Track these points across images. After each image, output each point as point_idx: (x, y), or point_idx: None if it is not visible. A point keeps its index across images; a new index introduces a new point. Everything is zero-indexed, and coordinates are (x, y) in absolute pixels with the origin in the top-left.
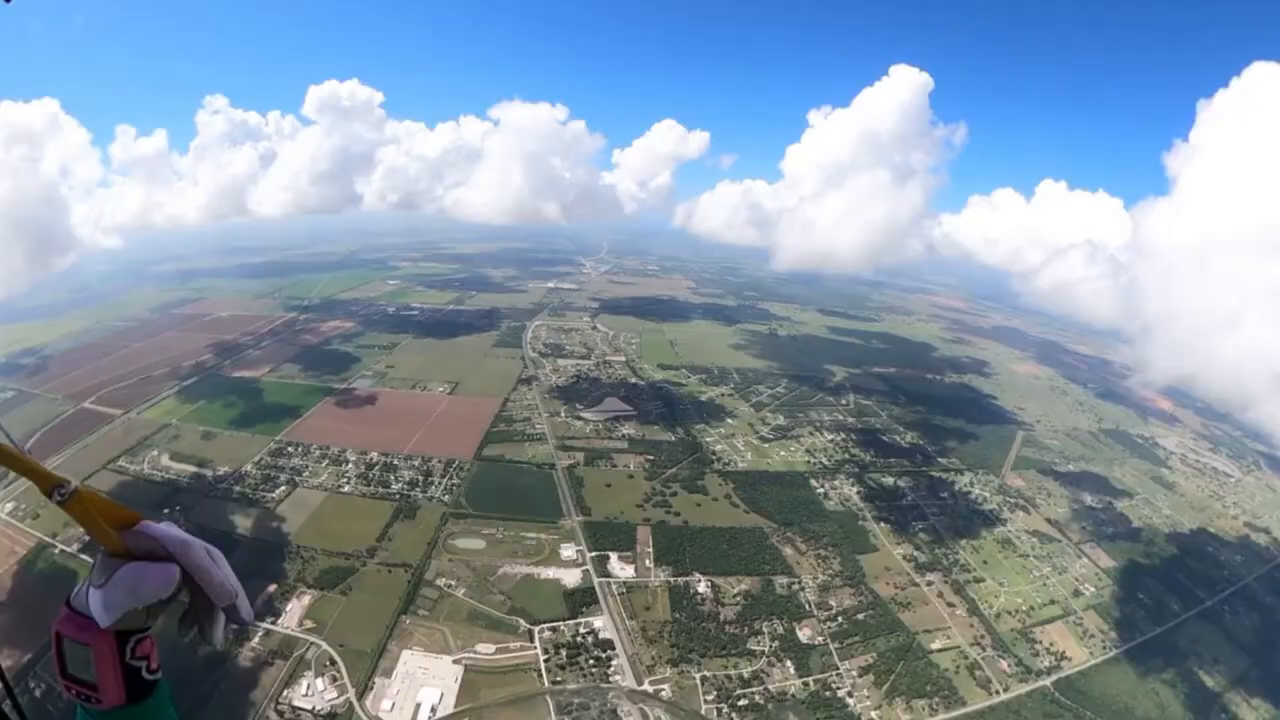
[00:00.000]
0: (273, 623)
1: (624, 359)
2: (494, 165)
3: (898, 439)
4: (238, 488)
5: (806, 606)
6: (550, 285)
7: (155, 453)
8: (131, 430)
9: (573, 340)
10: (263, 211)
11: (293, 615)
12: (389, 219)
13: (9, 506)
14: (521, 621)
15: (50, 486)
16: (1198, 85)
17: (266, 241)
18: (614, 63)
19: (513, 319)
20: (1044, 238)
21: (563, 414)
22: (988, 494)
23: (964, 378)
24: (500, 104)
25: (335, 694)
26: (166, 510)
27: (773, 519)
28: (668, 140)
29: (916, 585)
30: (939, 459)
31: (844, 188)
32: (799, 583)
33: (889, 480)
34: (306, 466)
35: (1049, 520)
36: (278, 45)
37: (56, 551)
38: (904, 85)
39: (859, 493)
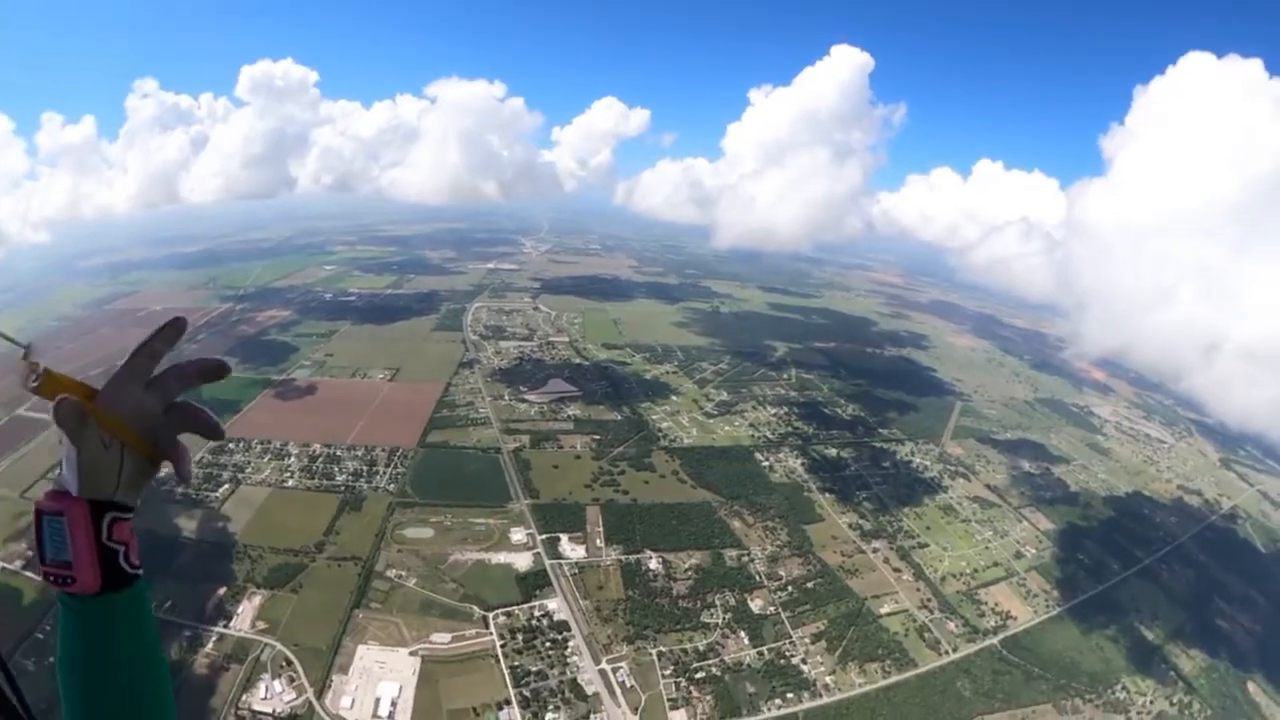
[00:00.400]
0: (225, 626)
1: (567, 339)
2: (430, 144)
3: (839, 412)
4: (179, 489)
5: (757, 578)
6: (490, 266)
7: None
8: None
9: (515, 322)
10: (195, 198)
11: (244, 617)
12: (324, 202)
13: None
14: (475, 608)
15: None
16: (1136, 72)
17: (199, 229)
18: (553, 37)
19: (452, 301)
20: (981, 215)
21: (506, 397)
22: (928, 463)
23: (903, 351)
24: (437, 82)
25: (294, 694)
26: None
27: (720, 493)
28: (608, 118)
29: (863, 553)
30: (880, 430)
31: (784, 166)
32: (748, 555)
33: (832, 452)
34: (249, 463)
35: (988, 486)
36: (210, 24)
37: None
38: (845, 65)
39: (803, 465)
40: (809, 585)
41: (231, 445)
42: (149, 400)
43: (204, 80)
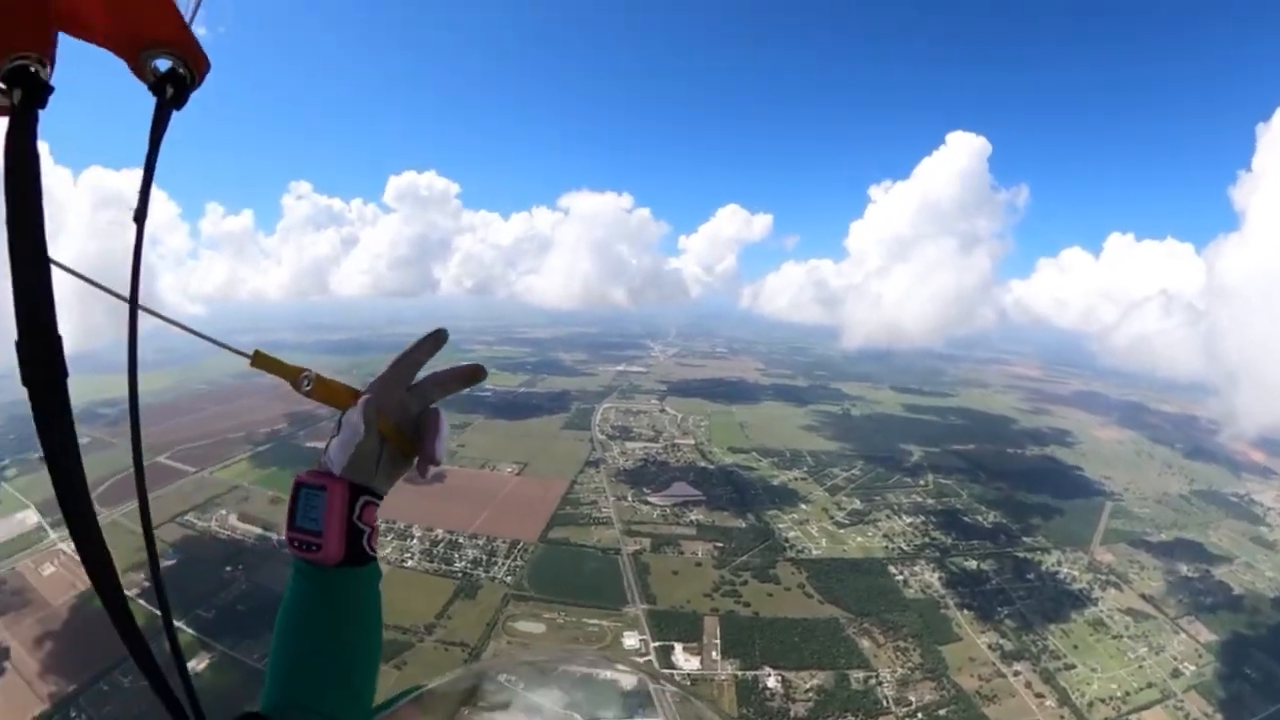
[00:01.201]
0: None
1: (693, 442)
2: (564, 253)
3: (979, 519)
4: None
5: (884, 702)
6: (620, 368)
7: (224, 512)
8: (202, 488)
9: (641, 423)
10: (343, 292)
11: None
12: (465, 303)
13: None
14: (576, 715)
15: (297, 378)
16: (1255, 109)
17: (346, 321)
18: (679, 150)
19: (582, 401)
20: (1116, 294)
21: (630, 498)
22: (1076, 572)
23: (1046, 449)
24: (569, 194)
25: None
26: (229, 568)
27: (849, 609)
28: (731, 224)
29: (1003, 676)
30: (1024, 538)
31: (909, 260)
32: (876, 677)
33: (971, 564)
34: None
35: (1143, 596)
36: (361, 136)
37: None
38: (962, 152)
39: (940, 578)
40: (941, 713)
41: None
42: (410, 401)
43: (354, 186)
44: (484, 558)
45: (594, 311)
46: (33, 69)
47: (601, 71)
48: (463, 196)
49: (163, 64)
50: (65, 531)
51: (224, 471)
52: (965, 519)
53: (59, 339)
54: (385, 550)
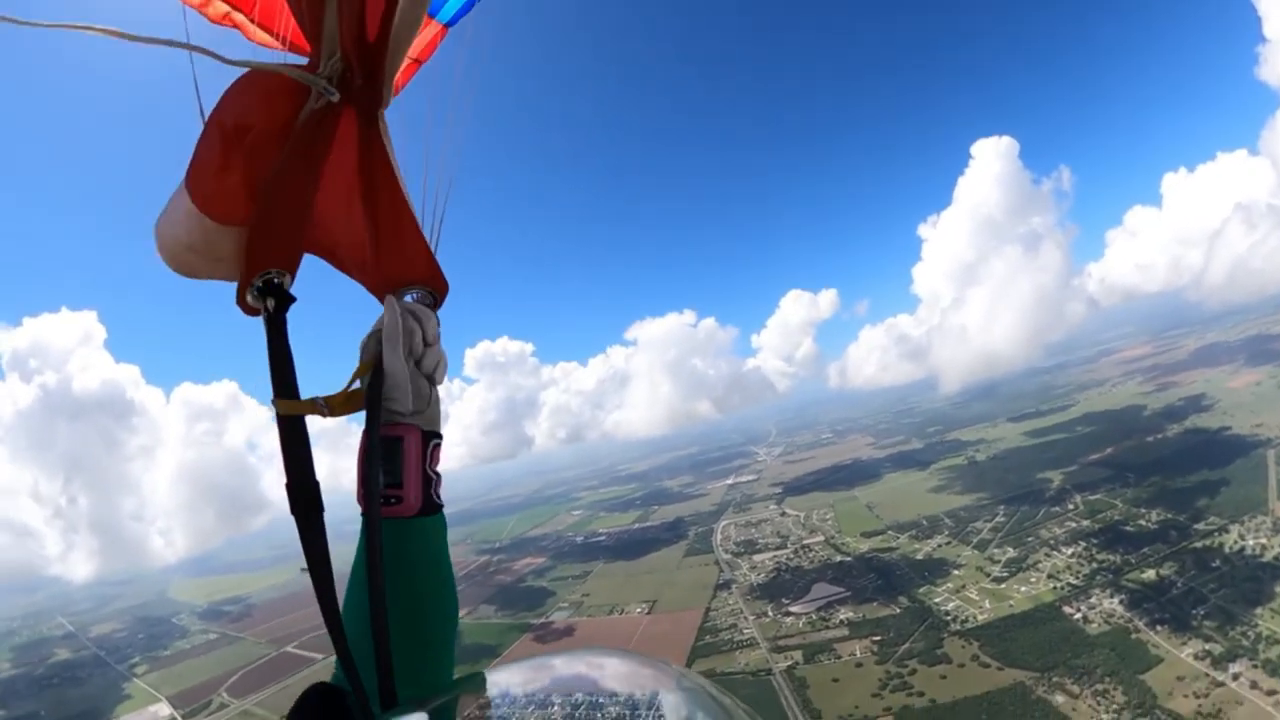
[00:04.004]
0: None
1: (822, 538)
2: (641, 383)
3: (1143, 524)
4: None
5: None
6: (729, 482)
7: None
8: (329, 675)
9: (764, 532)
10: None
11: None
12: (562, 454)
13: None
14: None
15: (315, 408)
16: None
17: (451, 494)
18: (724, 253)
19: (698, 524)
20: (1193, 233)
21: (770, 613)
22: (1264, 540)
23: (1185, 423)
24: (633, 325)
25: None
26: None
27: (1032, 668)
28: (797, 309)
29: (1222, 685)
30: (1195, 526)
31: (980, 282)
32: None
33: (1149, 574)
34: (513, 714)
35: None
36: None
37: None
38: (991, 158)
39: (1121, 602)
40: None
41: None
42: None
43: None
44: (627, 713)
45: (687, 431)
46: (277, 280)
47: (634, 198)
48: (538, 354)
49: (409, 296)
50: None
51: None
52: (1127, 529)
53: (317, 484)
54: None
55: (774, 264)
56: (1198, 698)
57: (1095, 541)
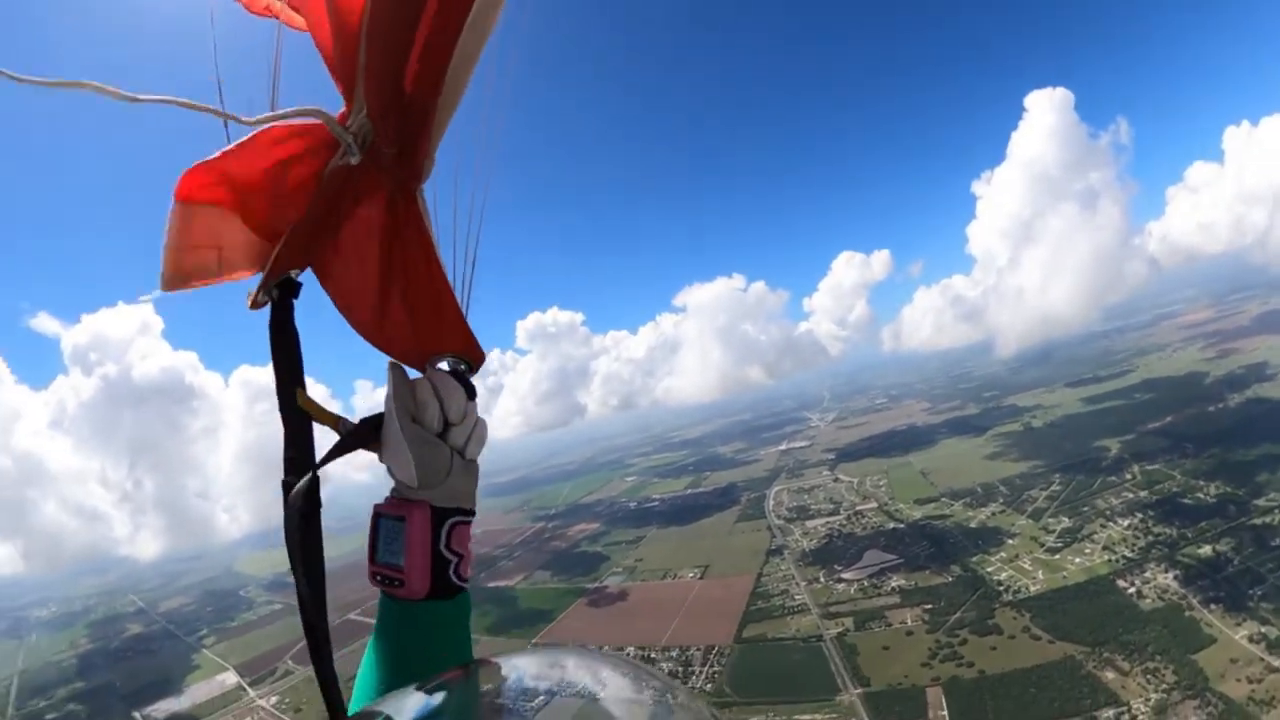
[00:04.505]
0: None
1: (876, 504)
2: (692, 349)
3: (1201, 497)
4: (495, 698)
5: None
6: (781, 448)
7: None
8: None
9: (817, 498)
10: (499, 436)
11: None
12: (614, 422)
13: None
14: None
15: (337, 425)
16: None
17: (507, 463)
18: (772, 214)
19: (751, 490)
20: (1258, 190)
21: (822, 579)
22: None
23: (1247, 392)
24: (681, 291)
25: None
26: None
27: (1083, 642)
28: (850, 271)
29: (1277, 670)
30: (1255, 501)
31: (1037, 241)
32: (1128, 712)
33: (1205, 550)
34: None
35: None
36: (478, 293)
37: None
38: (1046, 110)
39: (1176, 578)
40: None
41: None
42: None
43: (487, 339)
44: (680, 670)
45: (739, 397)
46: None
47: (680, 164)
48: (588, 323)
49: (442, 364)
50: (260, 690)
51: None
52: (1185, 501)
53: (317, 478)
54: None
55: (825, 226)
56: (1251, 683)
57: (1152, 514)
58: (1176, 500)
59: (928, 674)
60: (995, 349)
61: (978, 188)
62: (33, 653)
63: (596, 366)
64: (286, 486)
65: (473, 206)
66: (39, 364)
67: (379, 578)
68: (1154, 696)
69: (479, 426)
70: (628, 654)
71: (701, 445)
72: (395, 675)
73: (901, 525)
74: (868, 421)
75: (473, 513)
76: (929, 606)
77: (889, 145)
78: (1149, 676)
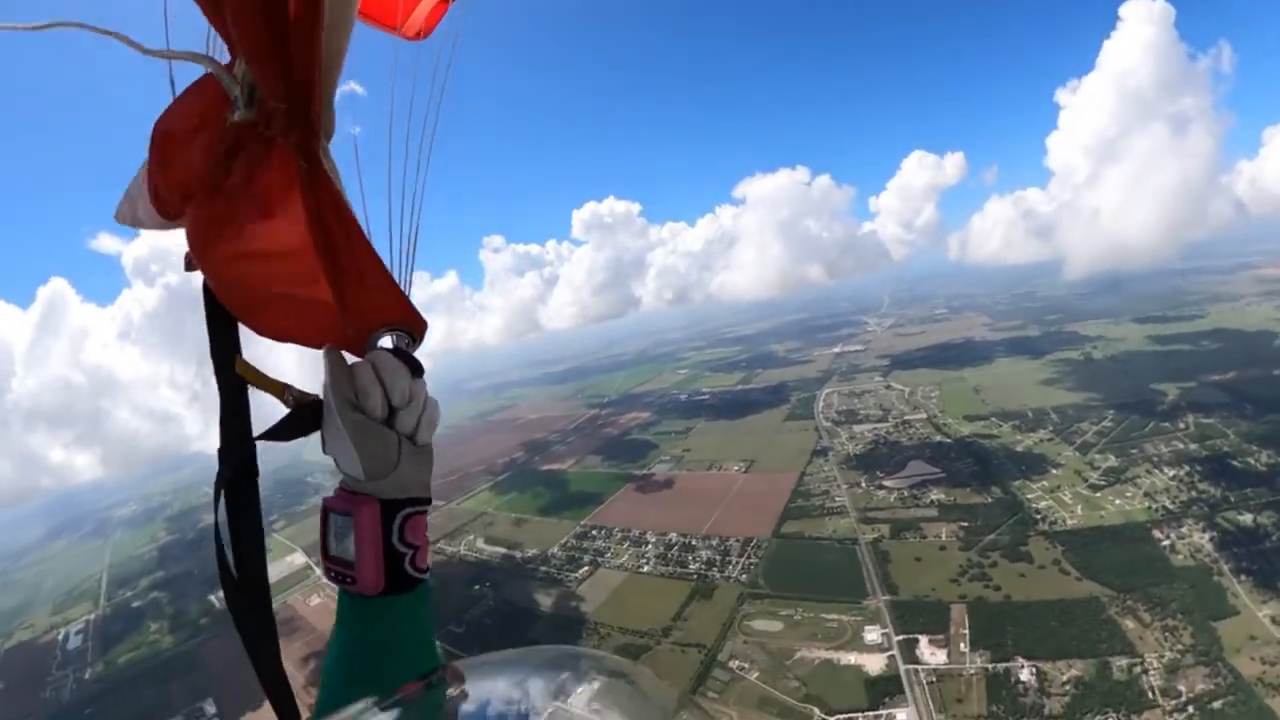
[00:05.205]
0: (564, 701)
1: (925, 416)
2: (750, 243)
3: (1252, 462)
4: (543, 568)
5: (1150, 694)
6: (836, 350)
7: (471, 537)
8: (451, 518)
9: (867, 404)
10: (554, 326)
11: (583, 694)
12: (669, 315)
13: None
14: (816, 710)
15: (283, 394)
16: None
17: (564, 352)
18: (843, 104)
19: (802, 390)
20: None
21: (863, 484)
22: None
23: None
24: (742, 183)
25: None
26: (477, 587)
27: (1110, 585)
28: (921, 172)
29: None
30: None
31: (1119, 161)
32: (1141, 664)
33: (1247, 519)
34: (608, 549)
35: None
36: (536, 180)
37: None
38: (1142, 23)
39: (1211, 540)
40: (1215, 705)
41: (594, 533)
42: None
43: (543, 229)
44: (718, 558)
45: (796, 296)
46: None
47: (746, 42)
48: (646, 214)
49: (385, 340)
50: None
51: (469, 502)
52: (1235, 464)
53: (254, 447)
54: (621, 558)
55: (897, 121)
56: (1265, 664)
57: (1199, 469)
58: (1226, 460)
59: (955, 590)
60: (1064, 270)
61: (1062, 96)
62: (117, 549)
63: (652, 259)
64: (221, 457)
65: (409, 158)
66: (104, 282)
67: (333, 573)
68: (1169, 655)
69: (429, 408)
70: (669, 540)
71: (755, 342)
72: (356, 671)
73: (948, 440)
74: (925, 331)
75: (427, 501)
76: (965, 524)
77: (971, 40)
78: (1167, 634)
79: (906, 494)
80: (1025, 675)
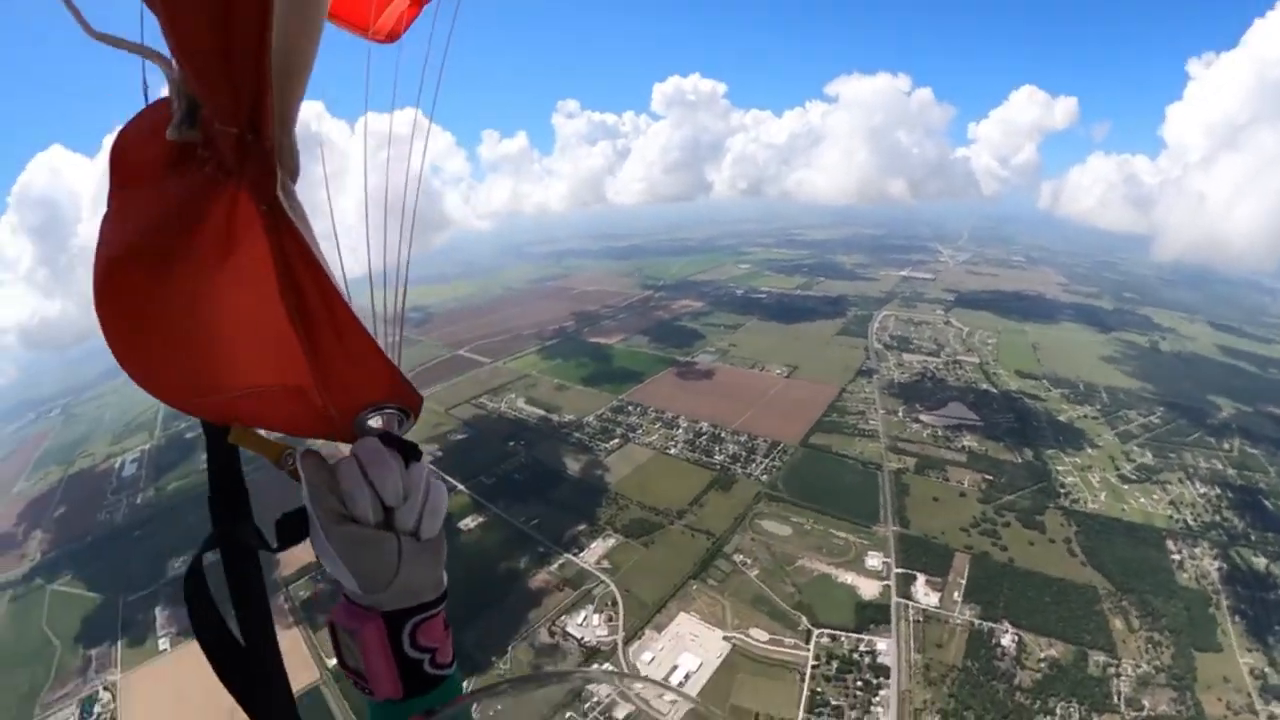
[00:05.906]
0: (574, 554)
1: (977, 360)
2: (836, 144)
3: None
4: (576, 434)
5: (1114, 698)
6: (903, 274)
7: (513, 396)
8: (495, 376)
9: (922, 334)
10: (620, 200)
11: (594, 553)
12: (739, 206)
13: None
14: (804, 619)
15: (280, 456)
16: None
17: (627, 228)
18: (960, 19)
19: (860, 308)
20: None
21: (900, 413)
22: None
23: None
24: (837, 79)
25: (606, 632)
26: (512, 443)
27: (1111, 579)
28: (1029, 109)
29: (1254, 714)
30: None
31: (1241, 151)
32: (1116, 666)
33: (1260, 562)
34: (641, 426)
35: None
36: (621, 47)
37: None
38: None
39: (1219, 571)
40: None
41: (629, 408)
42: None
43: (622, 99)
44: (743, 454)
45: (878, 211)
46: None
47: None
48: (731, 96)
49: (373, 419)
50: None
51: (515, 362)
52: (1267, 503)
53: (246, 492)
54: (652, 436)
55: (1016, 49)
56: (1229, 710)
57: (1230, 495)
58: (1259, 496)
59: (963, 539)
60: (1153, 249)
61: (1194, 67)
62: None
63: (731, 144)
64: (216, 542)
65: (408, 193)
66: None
67: (352, 680)
68: (1144, 667)
69: (432, 496)
70: (700, 428)
71: (823, 249)
72: None
73: (994, 390)
74: (998, 275)
75: (441, 601)
76: (990, 478)
77: None
78: (1150, 646)
79: (940, 433)
80: (1007, 641)
